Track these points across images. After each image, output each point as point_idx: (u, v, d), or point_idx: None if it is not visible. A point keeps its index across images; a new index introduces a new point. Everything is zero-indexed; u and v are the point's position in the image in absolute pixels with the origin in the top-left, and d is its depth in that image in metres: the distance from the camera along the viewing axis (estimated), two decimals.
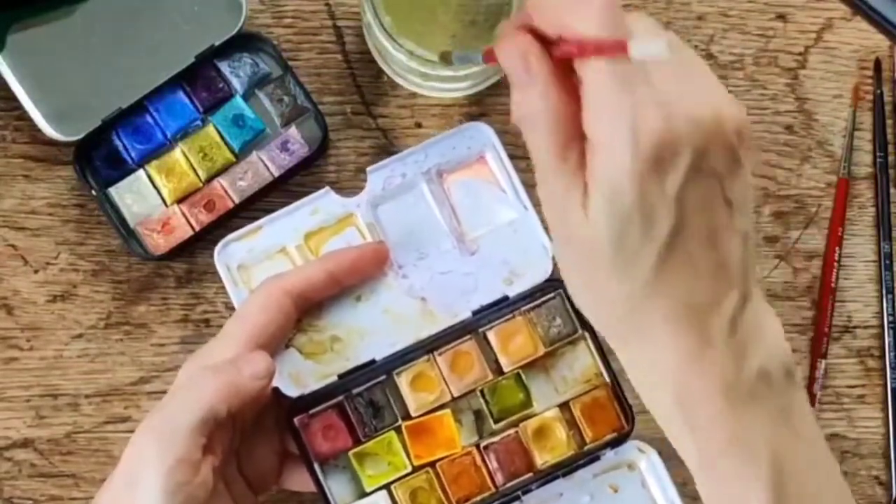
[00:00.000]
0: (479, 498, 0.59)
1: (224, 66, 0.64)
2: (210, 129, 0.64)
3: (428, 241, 0.61)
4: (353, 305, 0.60)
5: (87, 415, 0.64)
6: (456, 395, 0.59)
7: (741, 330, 0.43)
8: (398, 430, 0.59)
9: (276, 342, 0.57)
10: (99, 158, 0.64)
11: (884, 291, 0.66)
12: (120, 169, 0.64)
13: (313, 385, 0.58)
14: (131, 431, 0.63)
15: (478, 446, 0.59)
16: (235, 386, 0.52)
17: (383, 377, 0.59)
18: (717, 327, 0.43)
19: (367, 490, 0.58)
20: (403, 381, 0.59)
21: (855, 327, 0.66)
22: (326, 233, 0.61)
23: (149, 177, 0.64)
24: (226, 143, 0.64)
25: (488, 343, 0.60)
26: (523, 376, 0.60)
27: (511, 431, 0.59)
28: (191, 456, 0.50)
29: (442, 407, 0.59)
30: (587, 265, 0.44)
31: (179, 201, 0.64)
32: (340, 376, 0.59)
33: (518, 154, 0.62)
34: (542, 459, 0.59)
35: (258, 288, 0.57)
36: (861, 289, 0.66)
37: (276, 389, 0.57)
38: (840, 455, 0.66)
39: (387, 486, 0.58)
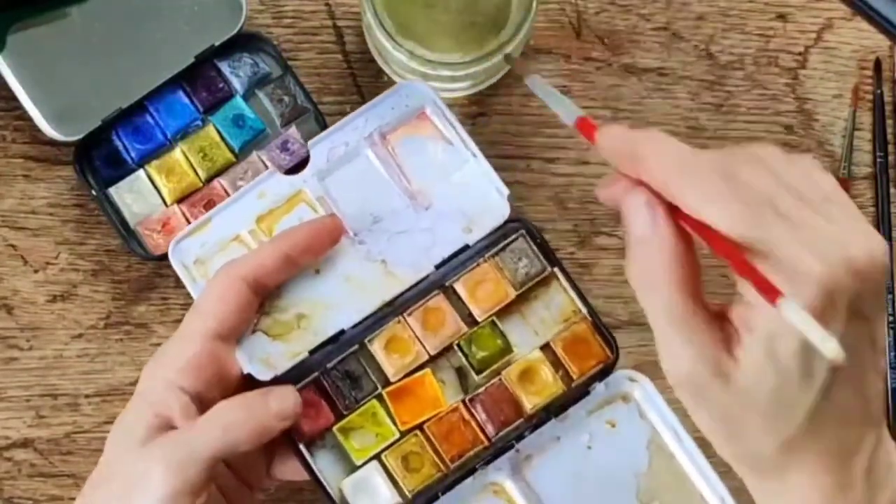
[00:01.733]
0: (472, 453, 0.58)
1: (224, 66, 0.64)
2: (210, 129, 0.64)
3: (380, 203, 0.60)
4: (313, 279, 0.58)
5: (87, 415, 0.64)
6: (433, 352, 0.59)
7: (876, 468, 0.44)
8: (380, 398, 0.58)
9: (239, 331, 0.56)
10: (99, 158, 0.64)
11: (884, 291, 0.66)
12: (120, 169, 0.64)
13: (286, 365, 0.57)
14: None
15: (464, 401, 0.59)
16: (263, 426, 0.52)
17: (356, 347, 0.58)
18: (859, 467, 0.43)
19: (358, 464, 0.57)
20: (377, 347, 0.58)
21: None
22: (277, 213, 0.60)
23: (149, 177, 0.64)
24: (226, 143, 0.64)
25: (457, 295, 0.59)
26: (499, 323, 0.59)
27: (495, 380, 0.59)
28: (197, 487, 0.50)
29: (421, 367, 0.58)
30: (735, 415, 0.43)
31: (179, 201, 0.64)
32: (311, 352, 0.58)
33: (466, 113, 0.62)
34: (531, 403, 0.59)
35: (213, 278, 0.56)
36: None
37: (249, 376, 0.56)
38: None
39: (377, 457, 0.58)
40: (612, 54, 0.66)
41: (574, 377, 0.59)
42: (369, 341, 0.59)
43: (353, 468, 0.58)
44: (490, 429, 0.58)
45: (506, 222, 0.59)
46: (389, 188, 0.60)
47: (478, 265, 0.59)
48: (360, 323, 0.58)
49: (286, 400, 0.53)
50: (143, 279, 0.65)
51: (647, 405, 0.59)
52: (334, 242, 0.58)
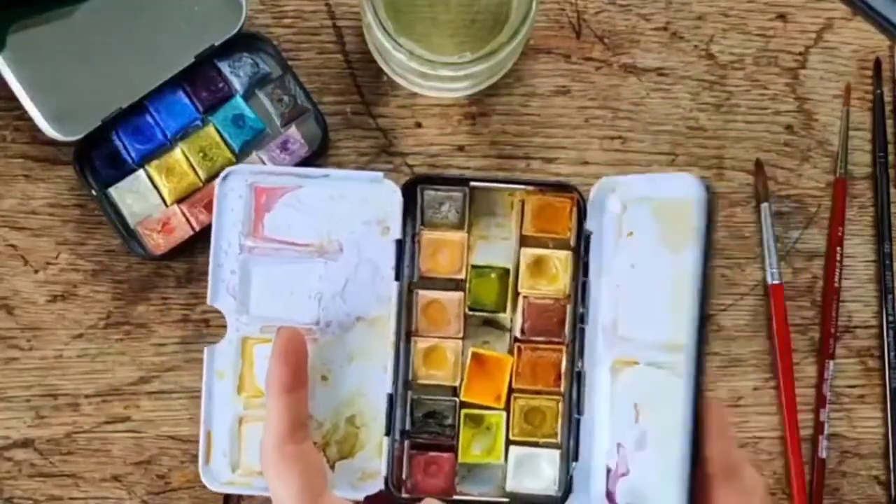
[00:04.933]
0: (563, 356, 0.59)
1: (224, 66, 0.64)
2: (210, 129, 0.64)
3: (307, 284, 0.59)
4: (327, 386, 0.58)
5: (87, 415, 0.64)
6: (462, 335, 0.60)
7: None
8: (462, 405, 0.59)
9: (326, 480, 0.54)
10: (99, 158, 0.64)
11: (884, 291, 0.66)
12: (120, 169, 0.64)
13: (378, 464, 0.57)
14: (131, 431, 0.64)
15: (515, 340, 0.60)
16: None
17: (409, 394, 0.59)
18: None
19: (500, 461, 0.59)
20: (422, 374, 0.59)
21: (855, 327, 0.66)
22: (248, 371, 0.59)
23: (149, 177, 0.64)
24: (226, 143, 0.64)
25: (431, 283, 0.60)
26: (478, 265, 0.60)
27: (521, 302, 0.60)
28: None
29: (465, 362, 0.59)
30: None
31: (179, 201, 0.64)
32: (386, 433, 0.58)
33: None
34: (562, 284, 0.59)
35: (267, 470, 0.53)
36: (861, 289, 0.66)
37: (373, 499, 0.57)
38: (840, 455, 0.66)
39: (508, 444, 0.59)
40: (612, 54, 0.66)
41: (567, 233, 0.60)
42: (412, 379, 0.59)
43: (502, 473, 0.59)
44: (556, 329, 0.59)
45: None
46: (299, 265, 0.59)
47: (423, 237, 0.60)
48: (395, 377, 0.58)
49: None
50: (143, 279, 0.65)
51: (642, 206, 0.57)
52: (303, 346, 0.55)
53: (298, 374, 0.54)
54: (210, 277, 0.58)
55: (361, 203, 0.59)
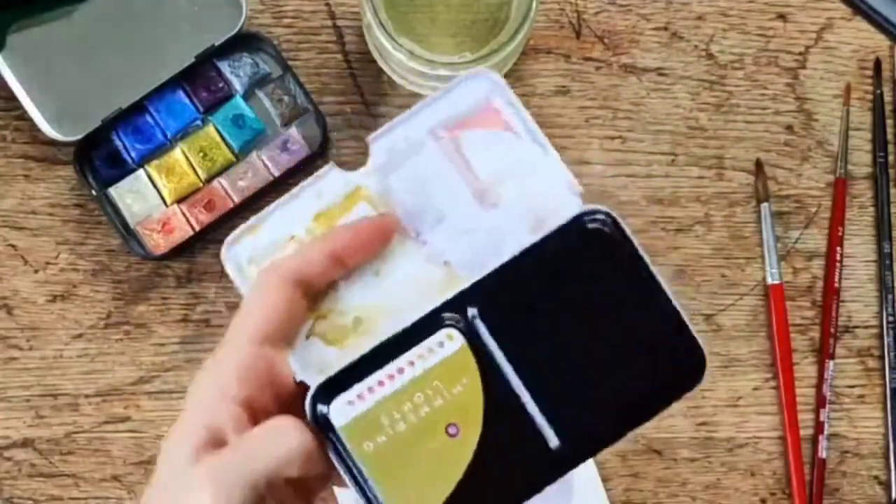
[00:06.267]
0: None
1: (224, 66, 0.64)
2: (210, 129, 0.64)
3: (445, 201, 0.56)
4: (372, 282, 0.55)
5: (87, 415, 0.64)
6: None
7: None
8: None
9: (289, 335, 0.53)
10: (99, 158, 0.64)
11: (884, 291, 0.66)
12: (120, 169, 0.64)
13: (342, 365, 0.52)
14: (131, 431, 0.64)
15: None
16: (317, 451, 0.49)
17: None
18: None
19: None
20: None
21: (855, 327, 0.66)
22: (336, 212, 0.57)
23: (149, 177, 0.64)
24: (226, 143, 0.64)
25: None
26: None
27: None
28: None
29: None
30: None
31: (179, 201, 0.64)
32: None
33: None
34: None
35: (256, 279, 0.53)
36: (861, 289, 0.67)
37: (302, 384, 0.54)
38: (840, 455, 0.66)
39: None
40: (612, 54, 0.66)
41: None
42: None
43: None
44: None
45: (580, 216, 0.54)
46: (454, 185, 0.56)
47: None
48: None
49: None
50: (143, 279, 0.65)
51: None
52: (387, 242, 0.55)
53: (357, 253, 0.53)
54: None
55: (544, 195, 0.55)
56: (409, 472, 0.47)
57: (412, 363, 0.49)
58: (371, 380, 0.49)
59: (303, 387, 0.52)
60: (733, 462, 0.66)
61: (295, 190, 0.56)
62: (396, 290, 0.55)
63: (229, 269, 0.55)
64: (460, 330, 0.50)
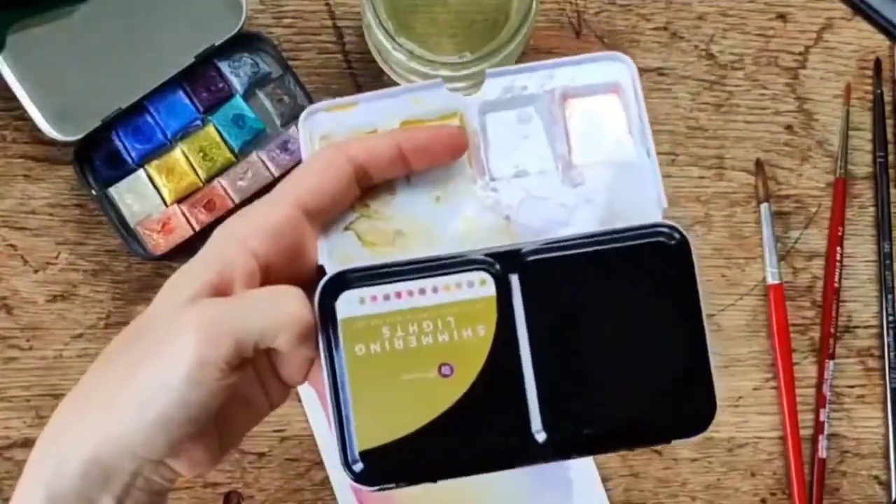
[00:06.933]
0: None
1: (224, 66, 0.64)
2: (210, 129, 0.64)
3: (531, 161, 0.54)
4: (430, 204, 0.53)
5: None
6: None
7: None
8: None
9: (328, 215, 0.50)
10: (99, 158, 0.64)
11: (884, 291, 0.66)
12: (120, 169, 0.64)
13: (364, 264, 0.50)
14: None
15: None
16: (312, 329, 0.47)
17: None
18: None
19: None
20: None
21: (855, 327, 0.66)
22: (423, 125, 0.54)
23: (149, 177, 0.64)
24: (226, 143, 0.64)
25: None
26: None
27: None
28: (230, 364, 0.45)
29: None
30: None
31: (179, 201, 0.64)
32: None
33: None
34: None
35: (318, 151, 0.51)
36: (861, 289, 0.67)
37: (322, 270, 0.50)
38: (840, 455, 0.66)
39: None
40: None
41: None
42: None
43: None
44: None
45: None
46: (546, 150, 0.54)
47: None
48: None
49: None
50: (143, 279, 0.65)
51: None
52: (456, 156, 0.52)
53: (423, 155, 0.51)
54: None
55: (629, 197, 0.54)
56: (386, 391, 0.45)
57: (436, 290, 0.48)
58: (390, 288, 0.47)
59: (321, 273, 0.50)
60: (733, 462, 0.66)
61: (396, 89, 0.53)
62: (449, 221, 0.53)
63: (302, 135, 0.53)
64: (497, 280, 0.48)
